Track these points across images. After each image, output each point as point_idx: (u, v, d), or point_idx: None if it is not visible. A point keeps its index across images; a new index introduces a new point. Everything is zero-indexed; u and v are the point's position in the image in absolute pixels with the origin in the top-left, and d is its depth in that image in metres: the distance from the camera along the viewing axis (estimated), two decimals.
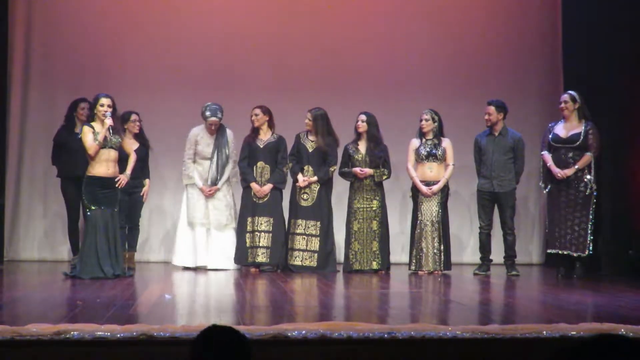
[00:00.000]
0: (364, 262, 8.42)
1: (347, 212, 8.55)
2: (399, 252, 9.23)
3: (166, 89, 9.55)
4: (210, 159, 8.54)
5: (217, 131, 8.57)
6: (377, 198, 8.49)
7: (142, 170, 8.50)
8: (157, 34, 9.66)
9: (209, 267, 8.46)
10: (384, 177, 8.51)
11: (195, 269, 8.47)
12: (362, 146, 8.54)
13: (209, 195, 8.51)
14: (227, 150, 8.57)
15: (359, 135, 8.56)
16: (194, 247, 8.53)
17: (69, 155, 8.38)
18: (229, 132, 8.63)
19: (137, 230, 8.59)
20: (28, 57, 9.52)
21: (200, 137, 8.59)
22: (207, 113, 8.48)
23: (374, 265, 8.41)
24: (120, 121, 8.14)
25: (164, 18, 9.67)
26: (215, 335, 2.68)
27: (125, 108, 8.44)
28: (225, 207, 8.55)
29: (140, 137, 8.56)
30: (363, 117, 8.52)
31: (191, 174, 8.59)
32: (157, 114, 9.24)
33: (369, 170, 8.44)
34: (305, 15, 9.80)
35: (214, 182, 8.52)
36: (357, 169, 8.45)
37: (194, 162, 8.61)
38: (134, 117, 8.48)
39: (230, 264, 8.51)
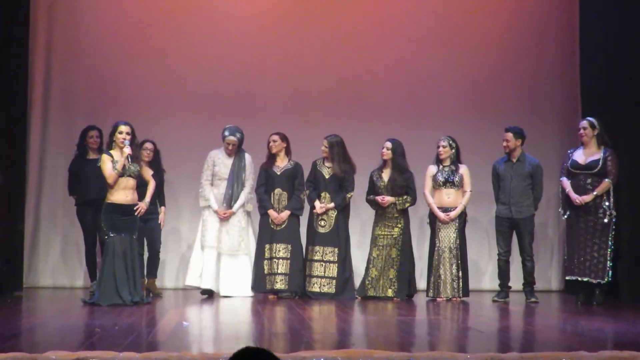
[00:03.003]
0: (379, 288, 8.40)
1: (370, 238, 8.56)
2: (417, 278, 9.18)
3: (183, 115, 9.59)
4: (227, 180, 8.55)
5: (236, 154, 8.60)
6: (399, 226, 8.46)
7: (157, 198, 8.55)
8: (175, 61, 9.72)
9: (221, 294, 8.44)
10: (407, 205, 8.48)
11: (206, 293, 8.45)
12: (386, 174, 8.53)
13: (224, 218, 8.49)
14: (244, 174, 8.58)
15: (384, 163, 8.57)
16: (203, 270, 8.51)
17: (83, 182, 8.44)
18: (247, 156, 8.65)
19: (157, 258, 8.63)
20: (48, 86, 9.60)
21: (218, 158, 8.62)
22: (226, 132, 8.55)
23: (389, 293, 8.37)
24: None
25: (182, 46, 9.73)
26: (249, 357, 2.63)
27: (143, 135, 8.49)
28: (238, 233, 8.51)
29: (155, 164, 8.60)
30: (388, 144, 8.52)
31: (207, 196, 8.57)
32: (173, 141, 9.29)
33: (389, 199, 8.42)
34: (322, 43, 9.84)
35: (229, 205, 8.51)
36: (378, 197, 8.44)
37: (212, 184, 8.61)
38: (146, 145, 8.54)
39: (241, 291, 8.45)
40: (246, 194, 8.58)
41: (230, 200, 8.51)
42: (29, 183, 9.41)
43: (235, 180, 8.54)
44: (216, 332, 6.14)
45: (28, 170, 9.39)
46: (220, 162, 8.60)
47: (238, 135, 8.55)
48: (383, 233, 8.47)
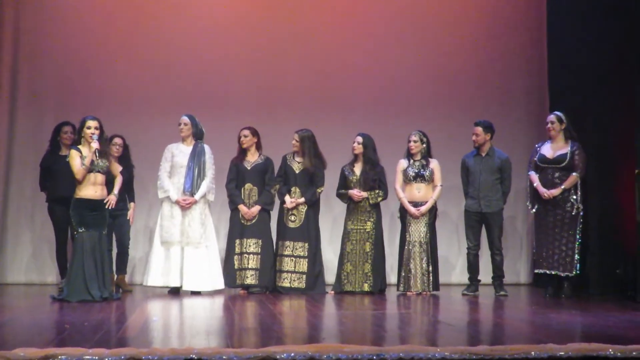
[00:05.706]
0: (355, 283, 8.42)
1: (342, 232, 8.56)
2: (388, 272, 9.22)
3: (155, 110, 9.56)
4: (186, 167, 8.30)
5: (194, 144, 8.40)
6: (372, 220, 8.49)
7: (127, 193, 8.50)
8: (146, 56, 9.69)
9: (183, 289, 8.25)
10: (379, 199, 8.51)
11: (170, 290, 8.30)
12: (358, 168, 8.55)
13: (185, 207, 8.27)
14: (204, 162, 8.33)
15: (355, 157, 8.58)
16: (168, 268, 8.25)
17: (54, 178, 8.37)
18: (206, 147, 8.44)
19: (126, 254, 8.58)
20: (15, 79, 9.52)
21: (176, 149, 8.42)
22: (181, 116, 8.44)
23: (365, 287, 8.40)
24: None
25: (153, 40, 9.70)
26: None
27: (113, 130, 8.45)
28: (200, 225, 8.29)
29: (124, 160, 8.56)
30: (359, 139, 8.54)
31: (166, 187, 8.31)
32: (145, 136, 9.25)
33: (364, 193, 8.45)
34: (294, 38, 9.85)
35: (190, 191, 8.29)
36: (354, 192, 8.45)
37: (170, 176, 8.35)
38: (116, 140, 8.51)
39: (210, 285, 8.27)
40: (207, 184, 8.36)
41: (191, 185, 8.29)
42: None
43: (195, 167, 8.32)
44: (186, 327, 6.12)
45: None
46: (179, 152, 8.39)
47: (194, 118, 8.40)
48: (356, 227, 8.49)
